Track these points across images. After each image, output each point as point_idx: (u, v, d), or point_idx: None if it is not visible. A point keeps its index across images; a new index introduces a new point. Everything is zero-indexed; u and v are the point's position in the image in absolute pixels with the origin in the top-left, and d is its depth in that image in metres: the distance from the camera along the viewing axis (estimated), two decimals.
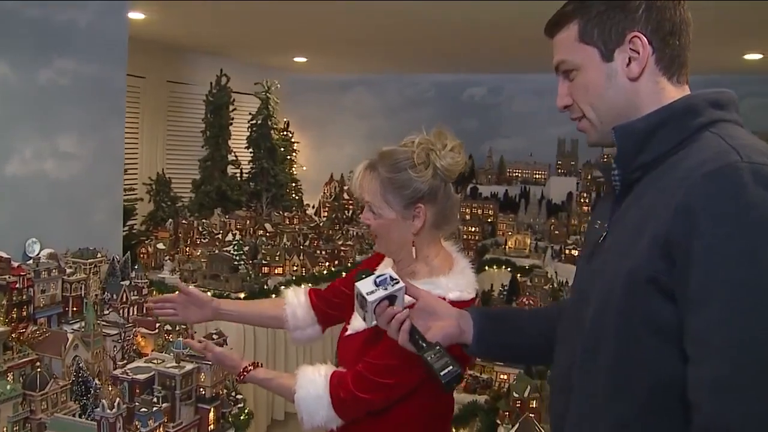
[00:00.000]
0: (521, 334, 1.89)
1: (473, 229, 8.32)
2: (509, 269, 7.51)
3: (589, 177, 9.24)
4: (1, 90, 4.43)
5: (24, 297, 3.83)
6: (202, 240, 7.08)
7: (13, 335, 3.56)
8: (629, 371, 1.32)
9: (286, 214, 8.49)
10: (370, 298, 1.83)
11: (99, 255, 4.49)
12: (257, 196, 9.23)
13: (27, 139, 4.66)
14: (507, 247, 7.96)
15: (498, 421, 3.63)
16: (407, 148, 2.11)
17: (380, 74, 11.29)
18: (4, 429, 3.04)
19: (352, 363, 2.13)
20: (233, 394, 3.91)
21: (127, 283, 4.46)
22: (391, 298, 1.84)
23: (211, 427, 3.54)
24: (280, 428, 6.25)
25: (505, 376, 4.03)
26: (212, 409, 3.53)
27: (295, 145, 10.80)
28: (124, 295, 4.29)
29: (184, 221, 7.41)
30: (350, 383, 2.06)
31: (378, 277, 1.86)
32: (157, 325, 4.18)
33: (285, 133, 10.42)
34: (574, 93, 1.52)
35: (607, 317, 1.36)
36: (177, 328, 4.27)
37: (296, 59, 10.18)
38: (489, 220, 8.83)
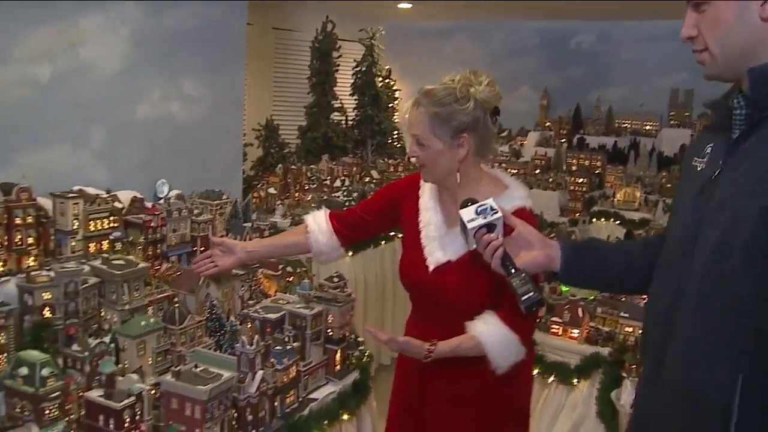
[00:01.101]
0: (606, 264, 1.98)
1: (581, 180, 8.07)
2: (617, 222, 7.29)
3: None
4: (133, 34, 4.52)
5: (158, 235, 3.96)
6: (311, 185, 7.16)
7: (152, 271, 3.69)
8: (752, 299, 1.39)
9: (390, 161, 8.46)
10: (470, 225, 2.01)
11: (224, 197, 4.57)
12: (362, 143, 9.24)
13: (156, 82, 4.76)
14: (615, 199, 7.70)
15: (624, 374, 3.53)
16: (448, 85, 2.28)
17: (483, 21, 10.97)
18: (150, 359, 3.16)
19: (457, 288, 2.31)
20: (355, 337, 3.97)
21: (249, 225, 4.54)
22: (489, 226, 2.01)
23: (338, 367, 3.59)
24: (387, 372, 6.35)
25: (630, 329, 3.90)
26: (339, 350, 3.58)
27: (397, 93, 10.70)
28: (248, 237, 4.36)
29: (292, 167, 7.50)
30: (518, 321, 2.25)
31: (480, 206, 2.03)
32: (280, 266, 4.25)
33: (388, 81, 10.33)
34: (701, 25, 1.52)
35: (733, 250, 1.42)
36: (298, 271, 4.34)
37: (400, 5, 10.00)
38: (597, 171, 8.54)
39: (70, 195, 3.62)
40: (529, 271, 1.96)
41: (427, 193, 2.50)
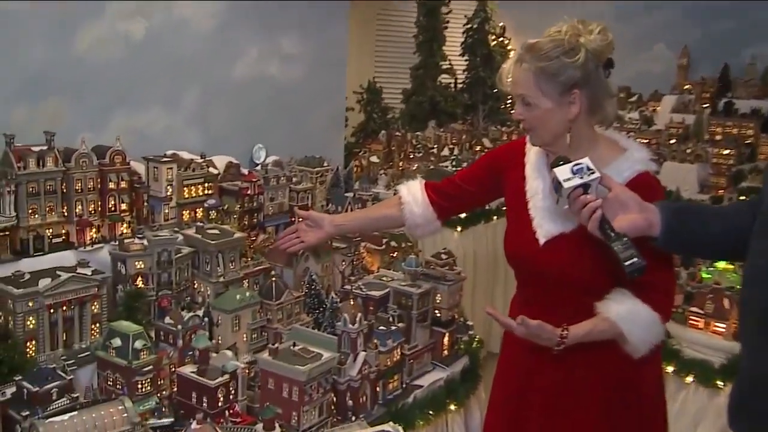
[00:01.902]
0: (707, 229, 2.03)
1: (726, 151, 7.63)
2: None
3: None
4: None
5: (254, 204, 4.04)
6: (416, 154, 7.13)
7: (247, 242, 3.76)
8: None
9: (504, 128, 8.31)
10: (566, 185, 2.04)
11: (324, 164, 4.60)
12: (473, 109, 9.12)
13: (253, 40, 4.83)
14: None
15: None
16: (555, 37, 2.22)
17: None
18: (245, 335, 3.22)
19: (572, 264, 2.25)
20: (464, 320, 3.93)
21: (351, 195, 4.56)
22: (585, 187, 2.04)
23: (445, 352, 3.56)
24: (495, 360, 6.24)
25: None
26: (447, 334, 3.55)
27: (511, 53, 10.48)
28: (349, 207, 4.38)
29: (397, 133, 7.48)
30: (655, 295, 2.20)
31: (575, 165, 2.06)
32: (384, 241, 4.25)
33: (502, 39, 10.11)
34: None
35: None
36: (403, 246, 4.33)
37: None
38: (747, 141, 8.07)
39: (164, 159, 3.72)
40: (630, 235, 1.99)
41: (533, 158, 2.44)
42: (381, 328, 3.16)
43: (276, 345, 2.85)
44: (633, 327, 2.18)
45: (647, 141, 7.97)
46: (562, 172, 2.07)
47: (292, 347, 2.86)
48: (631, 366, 2.29)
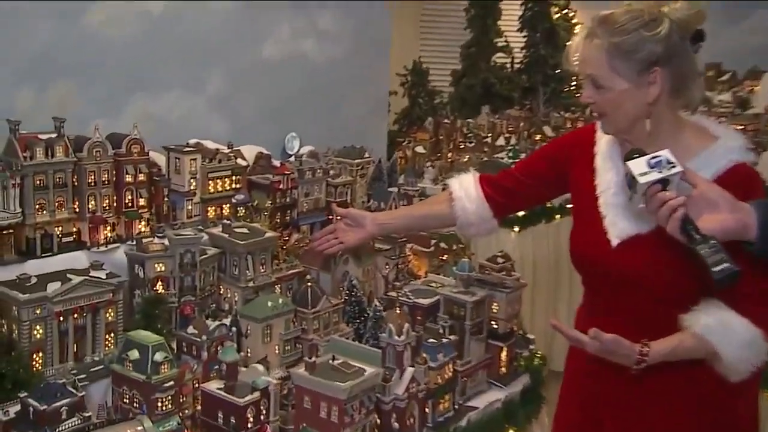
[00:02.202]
0: None
1: None
2: None
3: None
4: None
5: (287, 200, 4.04)
6: (468, 144, 7.11)
7: (280, 242, 3.77)
8: None
9: (568, 114, 8.23)
10: (641, 180, 2.02)
11: (365, 155, 4.60)
12: (532, 92, 9.04)
13: (284, 15, 4.85)
14: None
15: None
16: (632, 7, 2.20)
17: None
18: (277, 347, 3.23)
19: (652, 269, 2.21)
20: (523, 333, 3.92)
21: (395, 190, 4.55)
22: (664, 182, 2.02)
23: (503, 369, 3.55)
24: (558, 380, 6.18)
25: None
26: (505, 348, 3.53)
27: (577, 28, 10.38)
28: (393, 204, 4.37)
29: (445, 121, 7.45)
30: (754, 307, 2.13)
31: (653, 158, 2.03)
32: (432, 242, 4.24)
33: (566, 12, 10.02)
34: None
35: None
36: (454, 248, 4.32)
37: None
38: None
39: (187, 149, 3.74)
40: (719, 238, 1.95)
41: (604, 147, 2.41)
42: (430, 340, 3.16)
43: (313, 358, 2.85)
44: (726, 343, 2.11)
45: (742, 127, 7.78)
46: (638, 165, 2.05)
47: (330, 361, 2.86)
48: (724, 392, 2.23)
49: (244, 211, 3.84)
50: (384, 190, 4.54)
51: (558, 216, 5.92)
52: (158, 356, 2.70)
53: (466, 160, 6.49)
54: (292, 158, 4.41)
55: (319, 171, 4.16)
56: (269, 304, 3.29)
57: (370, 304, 3.51)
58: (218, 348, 2.98)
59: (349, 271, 3.69)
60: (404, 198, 4.47)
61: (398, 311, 3.09)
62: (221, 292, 3.53)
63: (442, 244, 4.26)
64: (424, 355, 3.09)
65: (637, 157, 2.06)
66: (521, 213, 5.61)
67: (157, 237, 3.40)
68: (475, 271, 3.66)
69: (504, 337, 3.53)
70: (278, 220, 3.97)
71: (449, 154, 6.88)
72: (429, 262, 4.14)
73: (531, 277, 5.68)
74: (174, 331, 3.21)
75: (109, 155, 3.39)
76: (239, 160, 3.99)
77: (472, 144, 7.09)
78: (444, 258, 4.24)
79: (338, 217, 2.95)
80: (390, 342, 2.97)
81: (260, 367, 2.94)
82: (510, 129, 7.65)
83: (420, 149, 6.59)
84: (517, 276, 3.73)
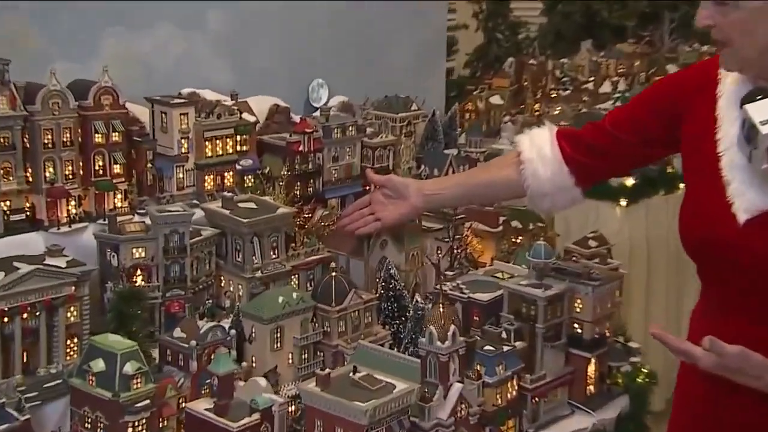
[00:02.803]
0: None
1: None
2: None
3: None
4: None
5: (310, 166, 4.01)
6: (561, 91, 7.03)
7: (298, 220, 3.74)
8: None
9: (705, 48, 8.04)
10: (764, 130, 1.97)
11: (413, 107, 4.55)
12: (653, 19, 8.92)
13: None
14: None
15: None
16: None
17: None
18: (290, 355, 3.21)
19: None
20: (624, 340, 3.87)
21: (454, 151, 4.51)
22: None
23: (591, 388, 3.50)
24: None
25: None
26: (594, 360, 3.48)
27: None
28: (450, 171, 4.33)
29: (531, 62, 7.36)
30: None
31: None
32: (501, 219, 4.19)
33: None
34: None
35: None
36: (531, 228, 4.27)
37: None
38: None
39: (176, 101, 3.73)
40: None
41: (731, 90, 2.31)
42: (487, 348, 3.12)
43: (327, 371, 2.82)
44: None
45: None
46: (760, 110, 1.99)
47: (351, 374, 2.83)
48: None
49: (252, 180, 3.81)
50: (439, 152, 4.49)
51: (681, 186, 5.81)
52: (129, 367, 2.69)
53: (557, 112, 6.38)
54: (318, 113, 4.37)
55: (351, 128, 4.12)
56: (280, 300, 3.27)
57: (413, 301, 3.47)
58: (211, 357, 2.97)
59: (387, 257, 3.67)
60: (465, 162, 4.42)
61: (443, 309, 3.03)
62: (222, 284, 3.52)
63: (515, 223, 4.23)
64: (478, 367, 3.08)
65: (760, 99, 2.01)
66: (629, 181, 5.55)
67: (137, 214, 3.41)
68: (557, 258, 3.63)
69: (591, 345, 3.47)
70: (297, 192, 3.95)
71: (536, 106, 6.79)
72: (496, 246, 4.12)
73: (643, 266, 5.62)
74: (157, 334, 3.22)
75: (71, 108, 3.37)
76: (246, 115, 3.97)
77: (568, 91, 7.02)
78: (517, 241, 4.21)
79: (376, 187, 2.89)
80: (431, 349, 2.91)
81: (262, 382, 2.92)
82: (620, 70, 7.52)
83: (496, 99, 6.50)
84: (613, 265, 3.70)
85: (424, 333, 2.97)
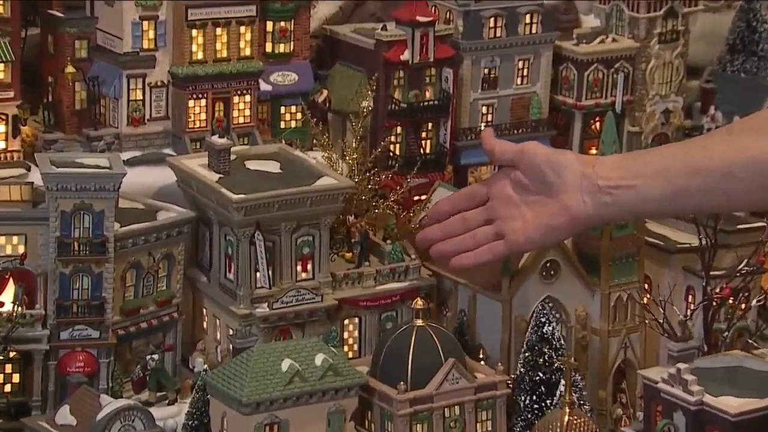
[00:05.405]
0: None
1: None
2: None
3: None
4: None
5: (427, 95, 3.51)
6: None
7: (372, 204, 2.74)
8: None
9: None
10: None
11: None
12: None
13: None
14: None
15: None
16: None
17: None
18: None
19: None
20: None
21: None
22: None
23: None
24: None
25: None
26: None
27: None
28: None
29: None
30: None
31: None
32: None
33: None
34: None
35: None
36: None
37: None
38: None
39: None
40: None
41: None
42: None
43: None
44: None
45: None
46: None
47: None
48: None
49: (297, 115, 2.18)
50: (751, 77, 2.91)
51: None
52: None
53: None
54: None
55: (526, 20, 3.34)
56: (286, 367, 2.32)
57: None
58: None
59: (552, 296, 2.17)
60: None
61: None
62: (205, 321, 1.97)
63: None
64: None
65: None
66: None
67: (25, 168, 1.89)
68: None
69: None
70: (392, 149, 2.35)
71: None
72: None
73: None
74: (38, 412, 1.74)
75: None
76: None
77: None
78: None
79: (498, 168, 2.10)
80: None
81: None
82: None
83: None
84: None
85: None
